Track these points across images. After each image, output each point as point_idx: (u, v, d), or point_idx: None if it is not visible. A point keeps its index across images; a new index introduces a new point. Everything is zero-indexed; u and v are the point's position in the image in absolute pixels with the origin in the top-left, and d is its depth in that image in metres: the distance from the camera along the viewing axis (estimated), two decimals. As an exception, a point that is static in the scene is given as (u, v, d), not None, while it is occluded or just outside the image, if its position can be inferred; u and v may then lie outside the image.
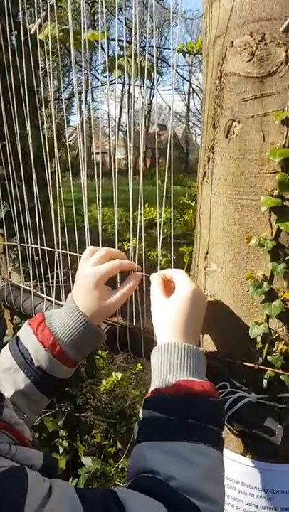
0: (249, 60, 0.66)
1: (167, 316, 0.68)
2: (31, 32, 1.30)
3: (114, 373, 1.95)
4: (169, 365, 0.63)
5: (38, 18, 1.21)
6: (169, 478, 0.52)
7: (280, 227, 0.67)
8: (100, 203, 0.92)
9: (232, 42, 0.68)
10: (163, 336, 0.68)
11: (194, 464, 0.54)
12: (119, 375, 1.78)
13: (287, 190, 0.66)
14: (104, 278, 0.78)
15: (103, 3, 0.85)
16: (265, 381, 0.70)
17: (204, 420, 0.57)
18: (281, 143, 0.65)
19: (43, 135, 1.03)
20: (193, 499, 0.50)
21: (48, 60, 0.98)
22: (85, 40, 0.90)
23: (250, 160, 0.69)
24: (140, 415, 0.62)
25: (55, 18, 1.03)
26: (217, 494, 0.53)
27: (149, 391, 0.63)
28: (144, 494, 0.50)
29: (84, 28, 0.86)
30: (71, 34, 0.87)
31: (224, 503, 0.57)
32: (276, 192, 0.67)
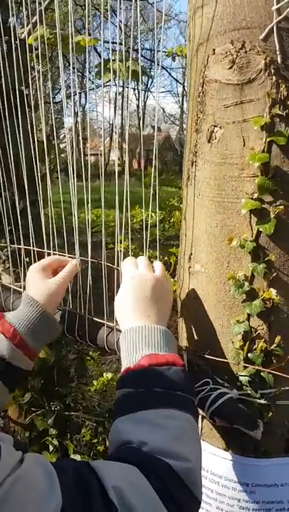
0: (230, 68, 0.69)
1: (117, 298, 0.75)
2: (22, 37, 1.32)
3: (104, 374, 1.97)
4: (133, 345, 0.66)
5: (27, 24, 1.23)
6: (141, 444, 0.55)
7: (260, 229, 0.69)
8: (90, 205, 0.94)
9: (214, 50, 0.71)
10: (126, 323, 0.71)
11: (163, 427, 0.57)
12: (110, 375, 1.80)
13: (266, 194, 0.68)
14: (45, 268, 0.90)
15: (89, 6, 0.87)
16: (245, 378, 0.72)
17: (170, 388, 0.61)
18: (260, 148, 0.68)
19: (33, 138, 1.04)
20: (164, 458, 0.53)
21: (38, 63, 1.00)
22: (75, 44, 0.92)
23: (231, 164, 0.71)
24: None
25: (44, 23, 1.05)
26: (188, 452, 0.56)
27: (120, 373, 0.66)
28: (120, 462, 0.53)
29: (71, 34, 0.88)
30: (58, 36, 0.89)
31: (198, 459, 0.59)
32: (256, 195, 0.69)
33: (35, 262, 1.16)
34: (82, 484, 0.47)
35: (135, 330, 0.68)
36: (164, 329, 0.68)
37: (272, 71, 0.66)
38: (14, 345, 0.81)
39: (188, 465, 0.54)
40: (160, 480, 0.51)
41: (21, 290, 1.20)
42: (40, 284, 0.87)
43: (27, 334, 0.82)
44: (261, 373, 0.72)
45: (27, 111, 1.05)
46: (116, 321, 0.84)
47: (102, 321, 0.94)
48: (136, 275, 0.75)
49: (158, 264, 0.78)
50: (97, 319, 0.95)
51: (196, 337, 0.80)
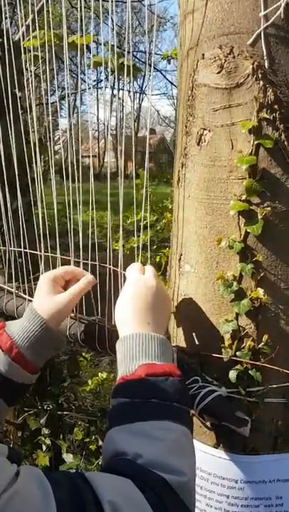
0: (218, 72, 0.70)
1: (120, 302, 0.74)
2: (16, 39, 1.33)
3: (100, 374, 1.98)
4: (131, 353, 0.66)
5: (22, 26, 1.24)
6: (136, 456, 0.55)
7: (248, 230, 0.71)
8: (81, 206, 0.96)
9: (203, 54, 0.72)
10: (124, 328, 0.71)
11: (159, 440, 0.56)
12: (105, 374, 1.81)
13: (253, 195, 0.70)
14: (59, 277, 0.84)
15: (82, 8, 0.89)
16: (234, 375, 0.73)
17: (166, 399, 0.60)
18: (248, 151, 0.69)
19: (26, 139, 1.05)
20: (159, 472, 0.53)
21: (33, 65, 1.01)
22: (70, 43, 0.93)
23: (220, 167, 0.73)
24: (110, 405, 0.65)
25: (36, 25, 1.06)
26: (184, 466, 0.56)
27: (116, 381, 0.67)
28: (114, 474, 0.52)
29: (65, 37, 0.89)
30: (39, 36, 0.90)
31: (193, 472, 0.59)
32: (244, 197, 0.70)
33: (27, 263, 1.17)
34: (77, 498, 0.47)
35: (133, 337, 0.67)
36: (162, 338, 0.68)
37: (260, 76, 0.68)
38: (11, 358, 0.77)
39: (183, 479, 0.54)
40: (155, 494, 0.51)
41: (13, 290, 1.21)
42: (48, 298, 0.82)
43: (27, 348, 0.78)
44: (249, 371, 0.73)
45: (20, 113, 1.06)
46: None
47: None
48: (141, 280, 0.74)
49: (149, 269, 0.78)
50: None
51: (185, 335, 0.82)
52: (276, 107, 0.68)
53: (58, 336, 0.83)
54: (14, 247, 1.18)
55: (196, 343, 0.79)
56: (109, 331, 0.92)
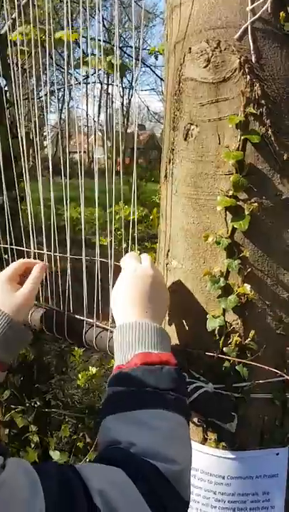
0: (205, 66, 0.69)
1: (117, 290, 0.74)
2: (1, 32, 1.31)
3: (90, 368, 1.97)
4: (127, 342, 0.66)
5: (8, 19, 1.22)
6: (130, 444, 0.55)
7: (235, 226, 0.70)
8: (68, 201, 0.95)
9: (190, 48, 0.72)
10: (121, 317, 0.71)
11: (153, 429, 0.56)
12: (94, 369, 1.80)
13: (240, 191, 0.70)
14: (12, 275, 0.87)
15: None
16: (221, 371, 0.73)
17: (162, 387, 0.60)
18: (235, 146, 0.69)
19: (12, 133, 1.04)
20: (152, 461, 0.53)
21: (20, 59, 1.00)
22: (58, 39, 0.92)
23: (207, 162, 0.72)
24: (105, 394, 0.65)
25: (22, 19, 1.05)
26: (177, 455, 0.56)
27: (112, 370, 0.66)
28: (107, 463, 0.52)
29: (50, 30, 0.88)
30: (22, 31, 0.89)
31: (188, 461, 0.59)
32: (231, 192, 0.70)
33: (13, 260, 1.16)
34: (66, 488, 0.47)
35: (130, 326, 0.67)
36: (159, 327, 0.68)
37: (247, 70, 0.68)
38: None
39: (176, 467, 0.54)
40: (147, 483, 0.51)
41: None
42: (6, 297, 0.84)
43: None
44: (236, 367, 0.73)
45: (6, 107, 1.04)
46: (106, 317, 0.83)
47: (81, 318, 0.94)
48: (139, 269, 0.74)
49: (146, 258, 0.78)
50: (78, 317, 0.96)
51: (172, 331, 0.81)
52: (263, 101, 0.68)
53: (23, 330, 0.85)
54: (0, 243, 1.16)
55: (183, 338, 0.79)
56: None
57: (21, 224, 1.05)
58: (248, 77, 0.68)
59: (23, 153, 1.01)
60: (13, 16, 1.27)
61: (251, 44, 0.68)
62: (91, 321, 0.92)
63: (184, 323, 0.79)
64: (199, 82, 0.70)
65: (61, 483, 0.47)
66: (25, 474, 0.46)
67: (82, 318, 0.94)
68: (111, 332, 0.87)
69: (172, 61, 0.77)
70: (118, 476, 0.50)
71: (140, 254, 0.80)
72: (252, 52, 0.68)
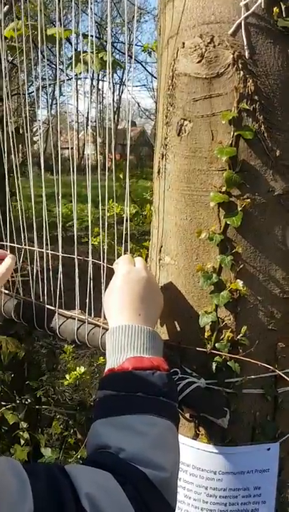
0: (199, 62, 0.69)
1: (110, 292, 0.73)
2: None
3: (78, 368, 1.96)
4: (119, 345, 0.66)
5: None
6: (119, 450, 0.55)
7: (228, 222, 0.70)
8: (60, 197, 0.94)
9: (183, 43, 0.71)
10: (114, 319, 0.70)
11: (142, 434, 0.56)
12: (83, 369, 1.80)
13: (233, 187, 0.70)
14: None
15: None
16: (213, 367, 0.73)
17: (153, 393, 0.60)
18: (228, 142, 0.69)
19: (3, 128, 1.03)
20: (141, 467, 0.53)
21: (11, 55, 0.99)
22: (49, 36, 0.91)
23: (201, 158, 0.72)
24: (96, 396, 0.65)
25: (14, 14, 1.04)
26: (166, 461, 0.56)
27: (104, 373, 0.66)
28: (95, 467, 0.52)
29: (42, 25, 0.87)
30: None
31: (176, 468, 0.59)
32: (224, 188, 0.70)
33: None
34: (55, 490, 0.47)
35: (122, 329, 0.67)
36: (152, 331, 0.68)
37: (240, 66, 0.68)
38: None
39: (164, 474, 0.54)
40: (134, 488, 0.51)
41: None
42: None
43: None
44: (228, 362, 0.73)
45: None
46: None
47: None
48: (132, 271, 0.74)
49: (140, 261, 0.77)
50: (69, 313, 0.95)
51: (165, 327, 0.81)
52: (256, 97, 0.68)
53: None
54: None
55: (176, 334, 0.79)
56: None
57: (12, 220, 1.04)
58: (242, 72, 0.68)
59: (13, 148, 1.00)
60: (5, 10, 1.25)
61: (245, 39, 0.68)
62: (83, 317, 0.92)
63: (176, 319, 0.79)
64: (192, 77, 0.70)
65: (50, 486, 0.47)
66: (14, 475, 0.46)
67: (73, 314, 0.94)
68: (104, 329, 0.86)
69: (165, 56, 0.76)
70: (106, 480, 0.50)
71: (134, 255, 0.80)
72: (245, 47, 0.68)
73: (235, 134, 0.68)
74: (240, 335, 0.72)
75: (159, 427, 0.58)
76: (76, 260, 0.93)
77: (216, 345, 0.73)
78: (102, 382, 0.64)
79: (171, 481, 0.56)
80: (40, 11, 1.02)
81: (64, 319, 0.95)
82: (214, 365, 0.73)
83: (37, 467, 0.50)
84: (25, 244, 1.05)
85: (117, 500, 0.49)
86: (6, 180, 1.02)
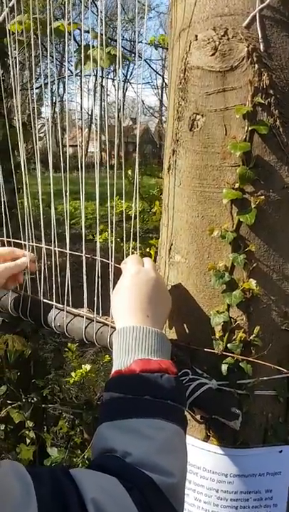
0: (212, 55, 0.67)
1: (118, 292, 0.72)
2: (-1, 20, 1.28)
3: (83, 366, 1.95)
4: (127, 347, 0.64)
5: (6, 7, 1.19)
6: (126, 454, 0.53)
7: (241, 220, 0.69)
8: (68, 194, 0.92)
9: (196, 36, 0.69)
10: (122, 320, 0.69)
11: (149, 439, 0.55)
12: (88, 366, 1.78)
13: (247, 184, 0.68)
14: None
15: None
16: (225, 368, 0.72)
17: (160, 396, 0.59)
18: (242, 137, 0.67)
19: (10, 124, 1.01)
20: (147, 472, 0.51)
21: (16, 49, 0.97)
22: (54, 29, 0.89)
23: (213, 153, 0.70)
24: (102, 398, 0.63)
25: (21, 8, 1.02)
26: (173, 466, 0.54)
27: (111, 374, 0.65)
28: (102, 471, 0.51)
29: (50, 18, 0.86)
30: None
31: (184, 474, 0.58)
32: (237, 185, 0.68)
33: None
34: (60, 495, 0.46)
35: (130, 330, 0.65)
36: (160, 332, 0.67)
37: (255, 59, 0.66)
38: None
39: (171, 480, 0.53)
40: (141, 494, 0.49)
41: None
42: None
43: None
44: (240, 363, 0.72)
45: (3, 96, 1.02)
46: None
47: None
48: (141, 272, 0.72)
49: (149, 261, 0.76)
50: (78, 311, 0.94)
51: (175, 327, 0.80)
52: (271, 91, 0.66)
53: None
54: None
55: (186, 334, 0.78)
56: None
57: (19, 216, 1.03)
58: (256, 66, 0.66)
59: (20, 144, 0.99)
60: (11, 4, 1.23)
61: (259, 32, 0.66)
62: (91, 316, 0.90)
63: (187, 319, 0.77)
64: (206, 70, 0.68)
65: (55, 491, 0.46)
66: (18, 479, 0.45)
67: (81, 312, 0.92)
68: (112, 328, 0.85)
69: (177, 49, 0.74)
70: (112, 485, 0.49)
71: (142, 256, 0.79)
72: (260, 40, 0.66)
73: (249, 128, 0.66)
74: (253, 335, 0.71)
75: (167, 431, 0.57)
76: (84, 258, 0.91)
77: (228, 345, 0.72)
78: (109, 384, 0.63)
79: (178, 487, 0.54)
80: (47, 5, 1.00)
81: (72, 317, 0.94)
82: (226, 366, 0.72)
83: (41, 470, 0.49)
84: (32, 242, 1.04)
85: (123, 505, 0.48)
86: (14, 176, 1.00)
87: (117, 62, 0.76)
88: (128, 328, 0.66)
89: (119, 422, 0.57)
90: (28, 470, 0.47)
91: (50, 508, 0.43)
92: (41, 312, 0.96)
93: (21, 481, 0.44)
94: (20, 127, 0.92)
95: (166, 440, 0.56)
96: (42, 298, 0.98)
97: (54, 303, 0.96)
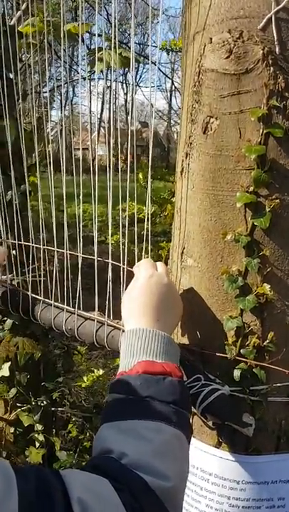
0: (227, 57, 0.67)
1: (130, 295, 0.72)
2: (11, 23, 1.29)
3: (95, 370, 1.95)
4: (132, 348, 0.64)
5: (18, 10, 1.19)
6: (122, 455, 0.53)
7: (255, 223, 0.68)
8: (81, 197, 0.92)
9: (210, 38, 0.69)
10: (131, 322, 0.69)
11: (147, 441, 0.54)
12: (101, 371, 1.77)
13: (261, 187, 0.67)
14: None
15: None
16: (238, 374, 0.71)
17: (162, 399, 0.58)
18: (257, 140, 0.66)
19: (22, 128, 1.02)
20: (142, 474, 0.51)
21: (29, 52, 0.97)
22: (65, 33, 0.90)
23: (227, 156, 0.70)
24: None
25: (34, 11, 1.02)
26: (169, 470, 0.53)
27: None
28: (96, 471, 0.50)
29: (64, 21, 0.86)
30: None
31: (182, 479, 0.57)
32: (251, 188, 0.68)
33: (21, 255, 1.14)
34: (44, 493, 0.45)
35: (136, 332, 0.65)
36: (167, 336, 0.66)
37: (270, 62, 0.65)
38: None
39: (167, 483, 0.52)
40: (132, 495, 0.49)
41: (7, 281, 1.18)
42: None
43: None
44: (253, 369, 0.71)
45: (16, 99, 1.02)
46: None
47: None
48: (154, 276, 0.72)
49: (162, 266, 0.76)
50: (89, 314, 0.94)
51: (187, 332, 0.79)
52: (287, 94, 0.65)
53: None
54: (9, 238, 1.14)
55: (199, 340, 0.77)
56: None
57: (30, 219, 1.03)
58: (272, 68, 0.65)
59: (33, 147, 0.99)
60: (23, 7, 1.24)
61: (275, 35, 0.65)
62: (102, 319, 0.90)
63: (200, 324, 0.76)
64: (220, 73, 0.68)
65: (40, 488, 0.45)
66: (2, 474, 0.44)
67: (92, 315, 0.92)
68: (123, 331, 0.84)
69: (191, 52, 0.74)
70: (100, 485, 0.49)
71: (156, 261, 0.78)
72: (276, 43, 0.65)
73: (264, 131, 0.66)
74: (267, 341, 0.70)
75: (165, 434, 0.56)
76: (96, 261, 0.91)
77: (241, 351, 0.71)
78: (112, 385, 0.63)
79: (174, 492, 0.53)
80: (57, 9, 1.00)
81: (82, 320, 0.93)
82: (239, 372, 0.71)
83: (28, 468, 0.48)
84: (42, 244, 1.04)
85: (111, 506, 0.47)
86: (26, 178, 1.00)
87: (131, 65, 0.76)
88: (135, 330, 0.66)
89: (119, 422, 0.57)
90: (13, 467, 0.46)
91: (33, 506, 0.43)
92: (52, 314, 0.96)
93: (3, 476, 0.44)
94: (35, 131, 0.92)
95: (163, 443, 0.55)
96: (53, 301, 0.98)
97: (65, 306, 0.96)
